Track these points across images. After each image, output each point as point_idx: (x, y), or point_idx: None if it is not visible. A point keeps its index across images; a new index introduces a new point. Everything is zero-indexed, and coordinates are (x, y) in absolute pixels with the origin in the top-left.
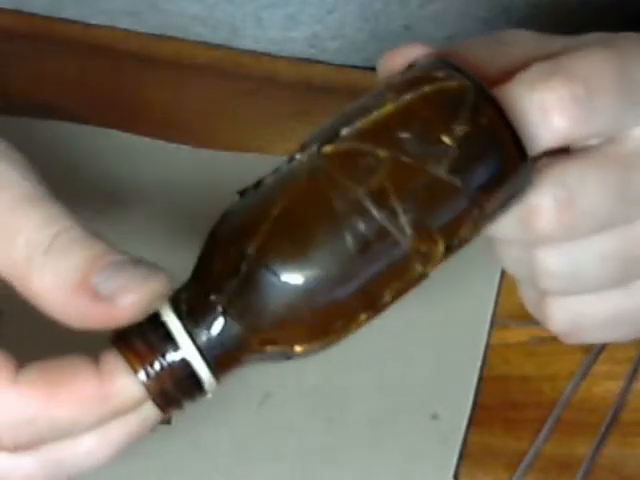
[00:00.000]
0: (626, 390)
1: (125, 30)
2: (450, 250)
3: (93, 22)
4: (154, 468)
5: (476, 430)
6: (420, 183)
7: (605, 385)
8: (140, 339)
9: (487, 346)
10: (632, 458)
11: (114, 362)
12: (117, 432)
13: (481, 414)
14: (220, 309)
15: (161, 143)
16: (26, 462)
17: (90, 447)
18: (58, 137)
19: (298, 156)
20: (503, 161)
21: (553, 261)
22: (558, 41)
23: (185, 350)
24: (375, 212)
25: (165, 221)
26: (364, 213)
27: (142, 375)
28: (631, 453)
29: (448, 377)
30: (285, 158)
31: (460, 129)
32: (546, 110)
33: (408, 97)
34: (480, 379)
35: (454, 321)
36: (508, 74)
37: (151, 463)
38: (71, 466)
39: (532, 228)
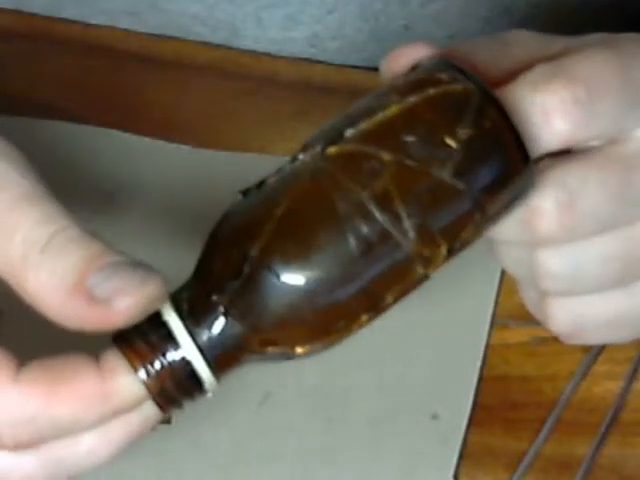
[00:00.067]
0: (626, 390)
1: (125, 30)
2: (452, 253)
3: (93, 22)
4: (154, 467)
5: (476, 430)
6: (424, 187)
7: (605, 385)
8: (141, 338)
9: (487, 346)
10: (632, 458)
11: (115, 360)
12: (118, 431)
13: (481, 414)
14: (222, 309)
15: (161, 143)
16: (26, 461)
17: (91, 446)
18: (58, 137)
19: (301, 156)
20: (506, 164)
21: (554, 262)
22: (560, 41)
23: (186, 349)
24: (379, 215)
25: (165, 221)
26: (368, 216)
27: (142, 374)
28: (631, 453)
29: (448, 377)
30: (287, 158)
31: (464, 132)
32: (548, 113)
33: (412, 99)
34: (480, 379)
35: (454, 321)
36: (510, 75)
37: (151, 462)
38: (71, 465)
39: (533, 229)
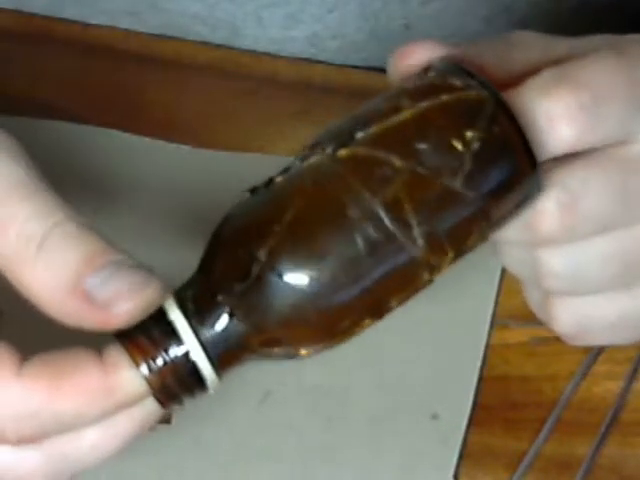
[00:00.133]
0: (626, 390)
1: (125, 30)
2: (457, 258)
3: (93, 22)
4: (154, 466)
5: (476, 430)
6: (435, 195)
7: (605, 385)
8: (143, 334)
9: (487, 346)
10: (632, 458)
11: (118, 355)
12: (121, 426)
13: (481, 414)
14: (227, 308)
15: (161, 143)
16: (30, 456)
17: (94, 441)
18: (58, 137)
19: (310, 156)
20: (515, 170)
21: (556, 261)
22: (564, 43)
23: (189, 346)
24: (389, 223)
25: (165, 221)
26: (378, 222)
27: (144, 369)
28: (631, 453)
29: (448, 377)
30: (287, 158)
31: (477, 141)
32: (553, 119)
33: (425, 105)
34: (480, 379)
35: (454, 321)
36: (516, 77)
37: (151, 461)
38: (75, 460)
39: (535, 230)
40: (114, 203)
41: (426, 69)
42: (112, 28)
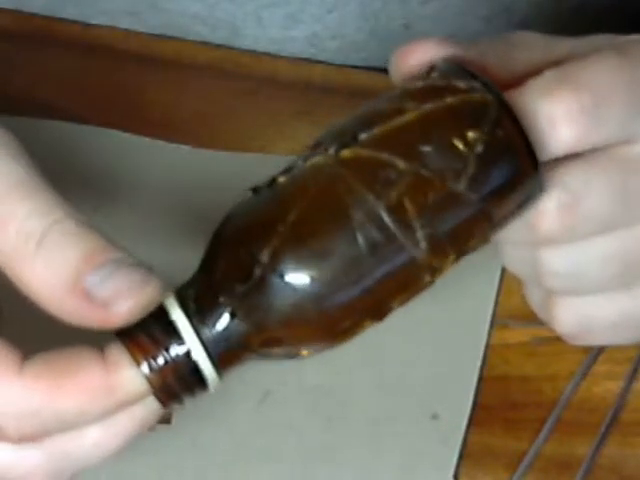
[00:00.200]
0: (626, 390)
1: (125, 30)
2: (458, 259)
3: (93, 22)
4: (154, 466)
5: (476, 430)
6: (438, 197)
7: (605, 385)
8: (144, 332)
9: (487, 346)
10: (632, 458)
11: (119, 354)
12: (122, 424)
13: (481, 414)
14: (228, 308)
15: (161, 143)
16: (31, 454)
17: (95, 439)
18: (58, 137)
19: (313, 157)
20: (518, 172)
21: (556, 261)
22: (565, 43)
23: (190, 346)
24: (392, 225)
25: (165, 221)
26: (381, 225)
27: (145, 368)
28: (631, 453)
29: (448, 377)
30: (287, 158)
31: (481, 143)
32: (554, 121)
33: (429, 107)
34: (480, 379)
35: (454, 321)
36: (517, 77)
37: (151, 461)
38: (76, 459)
39: (535, 230)
40: (114, 203)
41: (429, 70)
42: (112, 28)
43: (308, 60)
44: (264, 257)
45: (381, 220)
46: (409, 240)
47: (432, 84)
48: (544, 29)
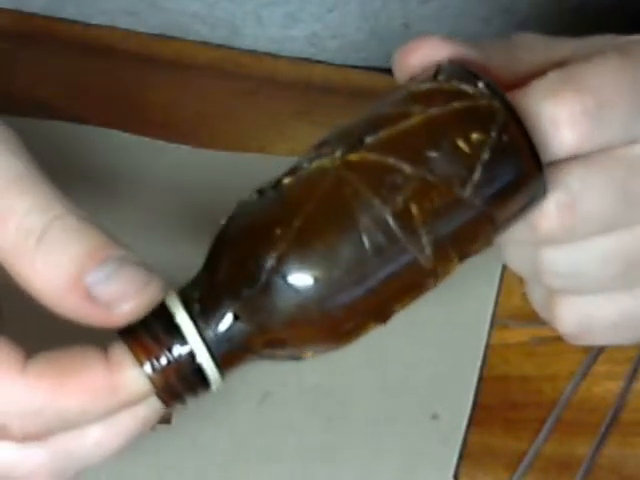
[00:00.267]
0: (626, 390)
1: (125, 30)
2: (461, 262)
3: (93, 22)
4: (154, 466)
5: (476, 430)
6: (444, 203)
7: (605, 385)
8: (147, 332)
9: (487, 346)
10: (632, 458)
11: (122, 354)
12: (124, 424)
13: (481, 414)
14: (232, 310)
15: (161, 143)
16: (34, 453)
17: (98, 438)
18: (58, 137)
19: (318, 158)
20: (523, 175)
21: (557, 261)
22: (567, 44)
23: (193, 346)
24: (397, 230)
25: (165, 221)
26: (387, 230)
27: (148, 368)
28: (631, 453)
29: (448, 377)
30: (287, 158)
31: (487, 149)
32: (557, 123)
33: (436, 112)
34: (480, 379)
35: (454, 321)
36: (519, 79)
37: (151, 461)
38: (79, 458)
39: (536, 229)
40: (114, 203)
41: (435, 72)
42: (112, 28)
43: (308, 60)
44: (269, 259)
45: (387, 225)
46: (414, 245)
47: (438, 87)
48: (544, 30)
